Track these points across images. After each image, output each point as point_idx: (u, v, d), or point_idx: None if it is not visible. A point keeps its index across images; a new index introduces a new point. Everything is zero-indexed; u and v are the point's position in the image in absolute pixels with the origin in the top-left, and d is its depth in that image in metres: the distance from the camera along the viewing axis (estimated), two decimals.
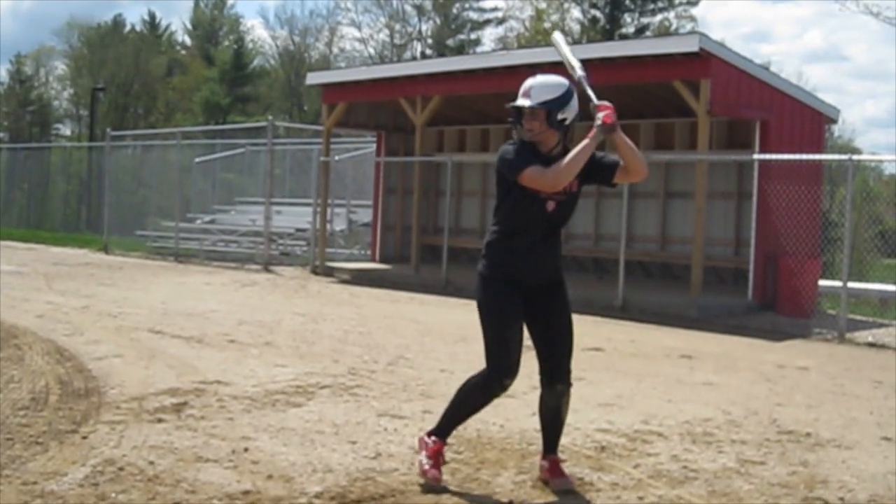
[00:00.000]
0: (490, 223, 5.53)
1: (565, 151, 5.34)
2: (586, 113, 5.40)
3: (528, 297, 5.41)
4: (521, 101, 5.33)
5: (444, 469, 5.66)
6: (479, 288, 5.49)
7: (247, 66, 64.62)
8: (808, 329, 13.29)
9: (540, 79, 5.40)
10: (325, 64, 59.69)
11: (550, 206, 5.33)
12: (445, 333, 11.59)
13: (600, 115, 5.23)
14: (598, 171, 5.43)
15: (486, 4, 62.30)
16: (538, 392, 5.57)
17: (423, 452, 5.50)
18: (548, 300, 5.45)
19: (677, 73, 14.91)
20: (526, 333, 5.44)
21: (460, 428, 6.65)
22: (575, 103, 5.35)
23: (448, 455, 6.02)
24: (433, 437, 5.55)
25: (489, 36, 63.56)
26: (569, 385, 5.50)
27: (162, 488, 5.22)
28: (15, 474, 5.34)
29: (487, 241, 5.47)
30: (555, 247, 5.48)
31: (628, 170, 5.44)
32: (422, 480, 5.41)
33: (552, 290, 5.47)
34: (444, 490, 5.38)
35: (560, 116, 5.29)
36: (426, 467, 5.43)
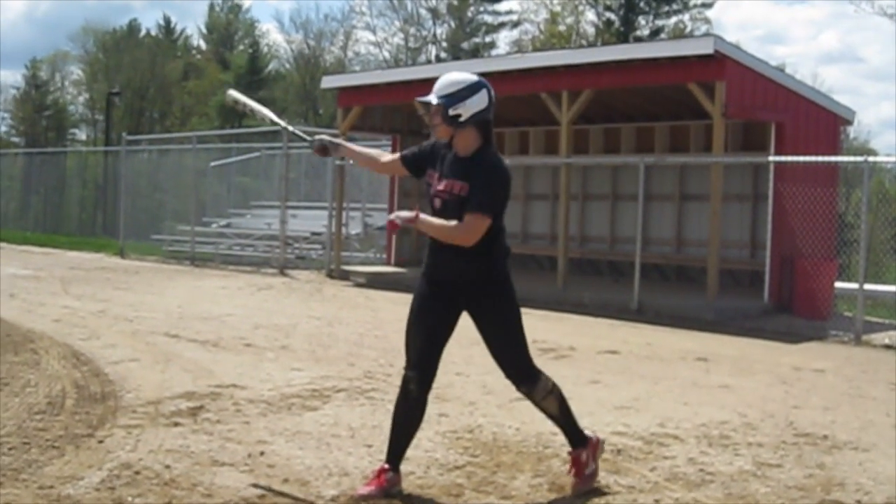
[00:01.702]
0: None
1: (479, 153, 5.28)
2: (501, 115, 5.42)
3: (465, 302, 5.35)
4: (424, 98, 5.39)
5: (460, 472, 5.69)
6: None
7: (262, 69, 64.79)
8: (825, 331, 13.25)
9: (446, 75, 5.37)
10: (339, 68, 59.71)
11: (436, 203, 5.33)
12: (460, 336, 11.55)
13: (394, 217, 5.24)
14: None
15: (501, 7, 62.11)
16: None
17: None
18: (479, 306, 5.35)
19: (692, 75, 14.88)
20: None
21: (476, 431, 6.67)
22: (475, 101, 5.21)
23: (464, 458, 6.03)
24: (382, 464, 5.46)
25: (504, 39, 63.58)
26: (530, 384, 5.42)
27: (178, 492, 5.23)
28: (31, 478, 5.36)
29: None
30: (456, 248, 5.22)
31: None
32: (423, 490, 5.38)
33: (485, 295, 5.33)
34: (461, 493, 5.37)
35: (452, 112, 5.21)
36: (357, 487, 5.38)
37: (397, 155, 5.64)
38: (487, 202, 5.15)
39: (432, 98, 5.27)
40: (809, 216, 14.24)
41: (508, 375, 5.44)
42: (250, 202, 28.29)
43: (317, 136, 5.74)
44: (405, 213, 5.17)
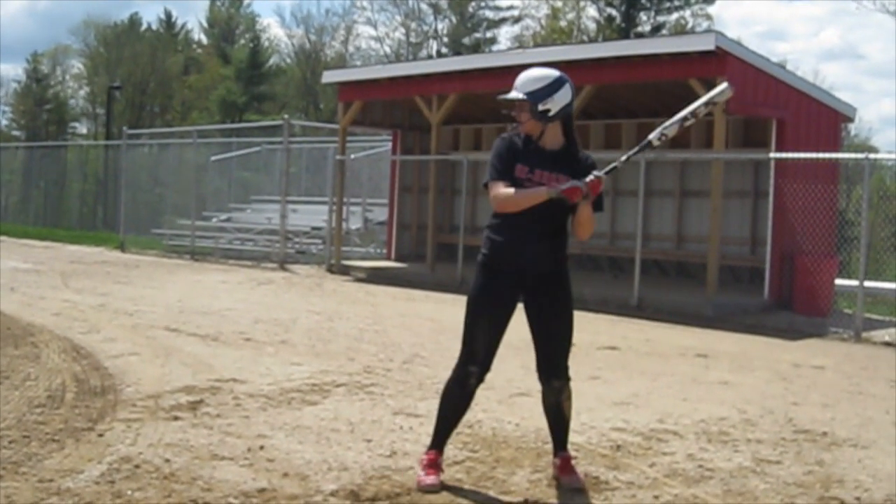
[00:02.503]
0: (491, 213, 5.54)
1: (568, 147, 5.40)
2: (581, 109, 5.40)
3: (528, 292, 5.40)
4: (510, 94, 5.40)
5: (459, 467, 5.69)
6: (474, 276, 5.52)
7: (263, 64, 64.70)
8: (825, 328, 13.25)
9: (528, 71, 5.43)
10: (340, 62, 59.74)
11: None
12: (461, 332, 11.57)
13: (573, 185, 5.15)
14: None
15: (502, 3, 62.13)
16: None
17: (419, 466, 5.53)
18: (547, 296, 5.41)
19: (693, 71, 14.86)
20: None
21: (475, 426, 6.67)
22: (562, 95, 5.30)
23: (464, 454, 6.04)
24: (427, 450, 5.56)
25: (505, 34, 63.80)
26: (566, 381, 5.50)
27: (178, 486, 5.24)
28: (31, 472, 5.36)
29: (486, 230, 5.50)
30: (551, 241, 5.38)
31: (573, 224, 5.39)
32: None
33: (552, 285, 5.42)
34: (460, 488, 5.38)
35: (542, 108, 5.28)
36: (419, 476, 5.43)
37: (510, 190, 5.34)
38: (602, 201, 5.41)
39: (517, 94, 5.33)
40: (810, 213, 14.23)
41: (557, 367, 5.48)
42: (251, 197, 28.28)
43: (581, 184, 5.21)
44: (587, 180, 5.17)
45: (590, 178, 5.18)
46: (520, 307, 5.43)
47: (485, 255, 5.45)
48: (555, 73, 5.39)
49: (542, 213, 5.29)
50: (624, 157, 5.45)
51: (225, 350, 9.81)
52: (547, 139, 5.38)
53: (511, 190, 5.27)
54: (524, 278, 5.37)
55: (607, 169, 5.29)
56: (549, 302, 5.42)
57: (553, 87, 5.31)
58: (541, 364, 5.49)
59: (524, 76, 5.40)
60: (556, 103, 5.29)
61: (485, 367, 5.44)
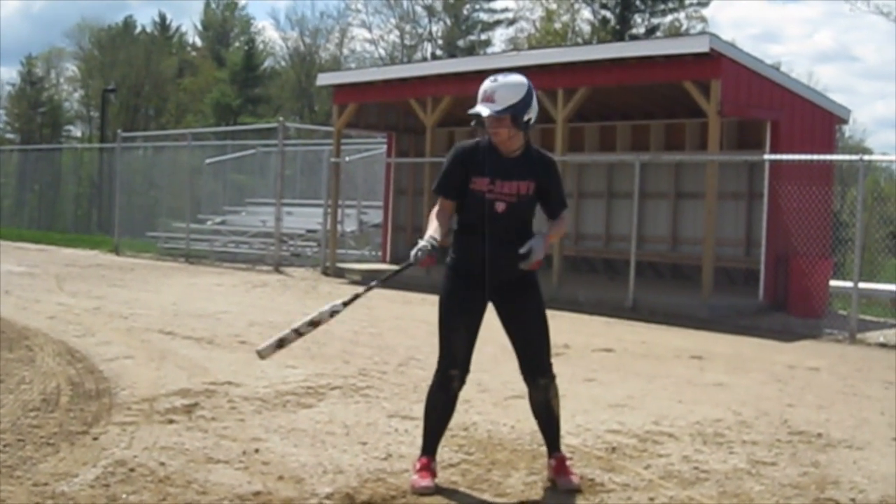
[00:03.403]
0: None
1: (527, 153, 5.36)
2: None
3: (498, 297, 5.42)
4: (482, 108, 5.23)
5: (454, 470, 5.69)
6: (442, 279, 5.54)
7: (257, 67, 64.64)
8: (819, 330, 13.27)
9: (501, 80, 5.26)
10: (335, 65, 59.69)
11: (500, 207, 5.28)
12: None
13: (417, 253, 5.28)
14: (544, 197, 5.41)
15: (497, 5, 62.27)
16: None
17: (413, 471, 5.52)
18: (517, 297, 5.43)
19: (688, 73, 14.89)
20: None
21: (471, 429, 6.67)
22: (535, 101, 5.29)
23: (459, 456, 6.04)
24: (420, 456, 5.55)
25: (500, 37, 63.46)
26: (551, 378, 5.52)
27: (173, 489, 5.23)
28: (26, 475, 5.35)
29: (453, 236, 5.50)
30: (515, 246, 5.27)
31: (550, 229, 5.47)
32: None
33: (521, 287, 5.43)
34: (455, 491, 5.38)
35: (525, 118, 5.23)
36: (413, 480, 5.41)
37: (443, 204, 5.43)
38: (564, 196, 5.49)
39: (496, 108, 5.18)
40: (804, 214, 14.25)
41: (540, 366, 5.50)
42: (245, 199, 28.25)
43: (416, 252, 5.30)
44: (537, 254, 5.22)
45: (529, 261, 5.22)
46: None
47: (451, 260, 5.48)
48: (522, 78, 5.31)
49: (504, 221, 5.29)
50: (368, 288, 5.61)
51: (220, 353, 9.81)
52: (511, 146, 5.32)
53: (433, 216, 5.38)
54: (492, 283, 5.37)
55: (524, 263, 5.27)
56: (521, 303, 5.44)
57: (530, 96, 5.25)
58: (524, 365, 5.51)
59: (500, 86, 5.23)
60: (533, 111, 5.27)
61: (465, 368, 5.46)
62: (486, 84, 5.26)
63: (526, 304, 5.44)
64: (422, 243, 5.25)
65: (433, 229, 5.30)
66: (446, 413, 5.56)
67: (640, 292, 15.12)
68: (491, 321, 5.48)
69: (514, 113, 5.18)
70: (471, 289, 5.39)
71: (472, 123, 5.40)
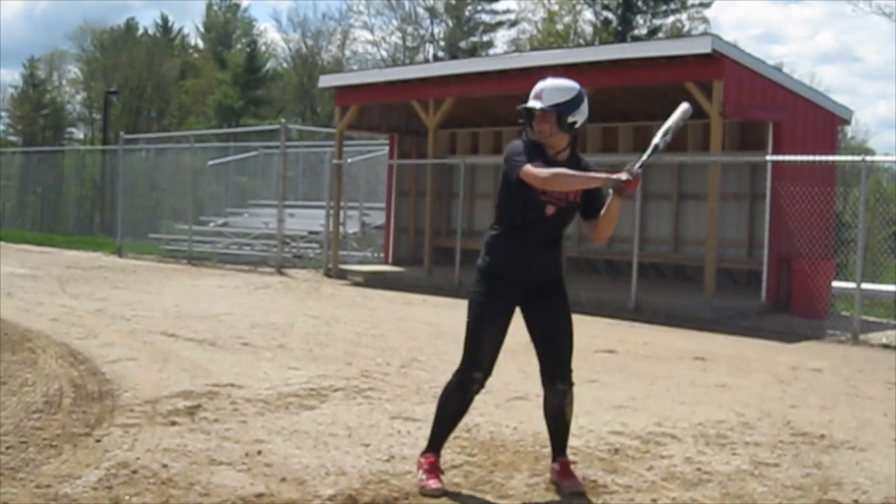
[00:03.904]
0: (493, 220, 5.53)
1: (573, 155, 5.40)
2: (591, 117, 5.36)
3: (526, 298, 5.43)
4: (533, 103, 5.34)
5: (457, 471, 5.69)
6: (474, 281, 5.50)
7: (259, 69, 64.68)
8: (822, 330, 13.26)
9: (552, 81, 5.42)
10: (337, 67, 59.65)
11: (550, 210, 5.32)
12: (458, 336, 11.51)
13: (627, 177, 5.09)
14: (590, 203, 5.40)
15: (499, 7, 62.15)
16: None
17: (419, 471, 5.51)
18: (547, 301, 5.45)
19: (690, 74, 14.89)
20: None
21: (473, 430, 6.67)
22: (585, 107, 5.35)
23: (461, 458, 6.03)
24: (425, 454, 5.56)
25: (501, 38, 63.44)
26: (570, 385, 5.51)
27: (175, 491, 5.23)
28: (29, 477, 5.36)
29: (488, 238, 5.48)
30: (554, 249, 5.46)
31: (598, 226, 5.38)
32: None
33: (551, 290, 5.47)
34: (458, 493, 5.38)
35: (570, 119, 5.30)
36: (423, 481, 5.41)
37: (560, 169, 5.25)
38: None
39: (543, 104, 5.29)
40: (807, 215, 14.24)
41: (562, 372, 5.48)
42: (248, 201, 28.27)
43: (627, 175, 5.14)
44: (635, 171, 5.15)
45: (636, 169, 5.15)
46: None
47: (487, 263, 5.44)
48: (576, 84, 5.42)
49: (549, 224, 5.35)
50: (645, 156, 5.38)
51: (222, 355, 9.81)
52: (562, 150, 5.38)
53: (560, 169, 5.20)
54: (526, 286, 5.39)
55: (640, 164, 5.21)
56: (550, 307, 5.46)
57: (579, 100, 5.33)
58: (546, 368, 5.49)
59: (549, 86, 5.38)
60: (581, 116, 5.34)
61: (488, 373, 5.45)
62: (539, 83, 5.41)
63: (555, 308, 5.47)
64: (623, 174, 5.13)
65: (589, 175, 5.20)
66: (461, 413, 5.57)
67: (642, 293, 15.12)
68: None
69: (560, 111, 5.27)
70: (503, 294, 5.40)
71: (520, 121, 5.44)
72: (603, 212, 5.31)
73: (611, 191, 5.16)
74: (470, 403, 5.55)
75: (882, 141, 79.93)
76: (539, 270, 5.41)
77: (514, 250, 5.37)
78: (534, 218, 5.32)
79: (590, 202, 5.40)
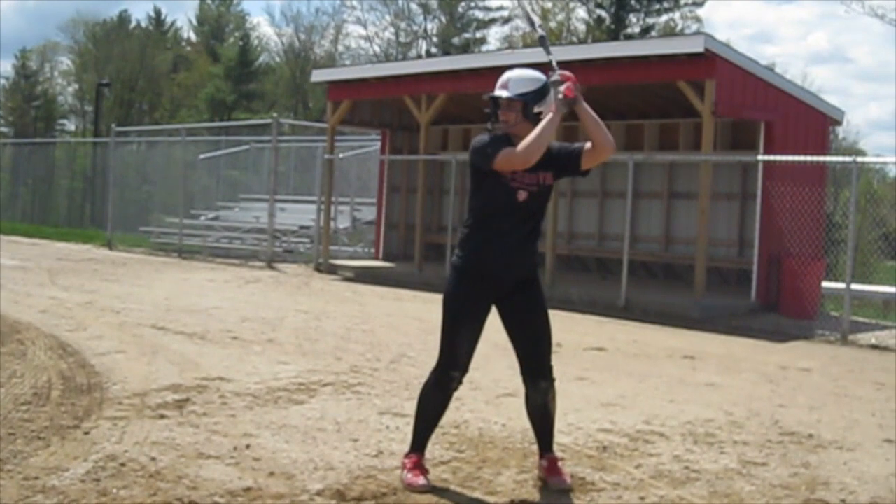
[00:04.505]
0: (465, 218, 5.54)
1: None
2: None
3: (503, 296, 5.43)
4: (499, 93, 5.39)
5: (445, 468, 5.69)
6: (449, 279, 5.51)
7: (252, 62, 64.63)
8: (811, 330, 13.28)
9: (518, 72, 5.46)
10: (330, 61, 59.63)
11: (522, 195, 5.32)
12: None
13: (561, 87, 5.23)
14: (566, 160, 5.42)
15: (492, 3, 62.23)
16: None
17: (404, 470, 5.50)
18: (523, 298, 5.45)
19: (682, 73, 14.90)
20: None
21: (462, 426, 6.67)
22: (551, 98, 5.34)
23: (450, 454, 6.04)
24: (409, 455, 5.55)
25: (494, 35, 63.57)
26: (552, 381, 5.52)
27: (163, 484, 5.23)
28: (16, 469, 5.35)
29: (462, 234, 5.48)
30: (529, 242, 5.44)
31: (594, 146, 5.35)
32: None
33: (527, 287, 5.46)
34: (446, 489, 5.38)
35: (536, 109, 5.32)
36: (409, 479, 5.40)
37: (526, 140, 5.26)
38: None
39: (509, 94, 5.35)
40: (797, 215, 14.27)
41: (542, 368, 5.50)
42: (239, 195, 28.24)
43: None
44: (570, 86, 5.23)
45: (556, 66, 5.32)
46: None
47: (462, 260, 5.44)
48: (542, 75, 5.43)
49: (522, 212, 5.34)
50: (550, 53, 5.49)
51: (212, 348, 9.80)
52: (519, 135, 5.34)
53: (528, 138, 5.20)
54: (502, 284, 5.39)
55: (554, 61, 5.37)
56: (527, 305, 5.46)
57: (544, 90, 5.35)
58: (526, 366, 5.49)
59: (515, 76, 5.42)
60: (546, 106, 5.32)
61: (465, 370, 5.47)
62: (506, 73, 5.47)
63: (531, 305, 5.47)
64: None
65: (547, 120, 5.25)
66: (441, 412, 5.57)
67: (632, 292, 15.13)
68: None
69: (526, 101, 5.31)
70: (480, 292, 5.40)
71: (486, 111, 5.44)
72: (585, 130, 5.33)
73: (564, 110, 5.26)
74: (449, 401, 5.56)
75: (873, 142, 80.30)
76: (515, 266, 5.39)
77: (489, 244, 5.35)
78: (506, 206, 5.32)
79: (566, 160, 5.43)
